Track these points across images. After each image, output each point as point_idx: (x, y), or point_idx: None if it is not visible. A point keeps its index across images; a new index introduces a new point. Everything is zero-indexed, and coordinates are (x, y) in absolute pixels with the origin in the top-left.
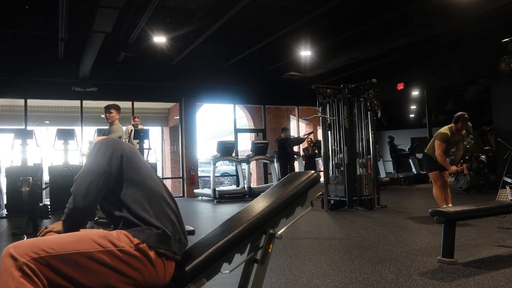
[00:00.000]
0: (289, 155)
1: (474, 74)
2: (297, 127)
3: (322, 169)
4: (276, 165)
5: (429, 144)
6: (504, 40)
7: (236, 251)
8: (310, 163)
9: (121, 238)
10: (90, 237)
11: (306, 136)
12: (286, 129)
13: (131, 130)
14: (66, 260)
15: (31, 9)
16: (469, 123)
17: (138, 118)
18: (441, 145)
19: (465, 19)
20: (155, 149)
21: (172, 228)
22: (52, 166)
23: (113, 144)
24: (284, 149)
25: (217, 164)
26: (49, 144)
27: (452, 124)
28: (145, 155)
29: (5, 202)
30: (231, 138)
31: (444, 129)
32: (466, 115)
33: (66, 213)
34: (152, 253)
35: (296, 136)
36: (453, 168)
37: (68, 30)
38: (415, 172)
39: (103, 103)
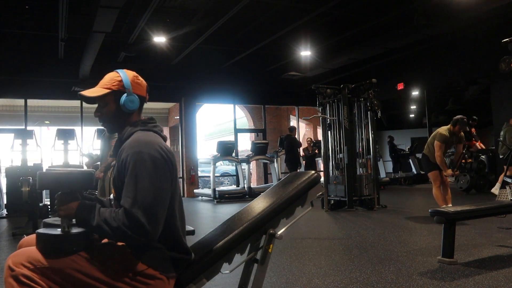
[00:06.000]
0: (298, 154)
1: (474, 74)
2: (297, 127)
3: (322, 169)
4: (276, 165)
5: (426, 144)
6: (504, 40)
7: (237, 251)
8: (310, 163)
9: (125, 261)
10: (90, 255)
11: None
12: (294, 129)
13: None
14: (62, 274)
15: (31, 9)
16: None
17: None
18: (441, 146)
19: (465, 19)
20: None
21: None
22: (52, 166)
23: (170, 158)
24: (293, 146)
25: (217, 164)
26: (49, 144)
27: (450, 126)
28: None
29: (5, 202)
30: (231, 138)
31: (443, 130)
32: (464, 119)
33: (120, 236)
34: (158, 273)
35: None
36: (449, 171)
37: (68, 30)
38: (415, 172)
39: None
